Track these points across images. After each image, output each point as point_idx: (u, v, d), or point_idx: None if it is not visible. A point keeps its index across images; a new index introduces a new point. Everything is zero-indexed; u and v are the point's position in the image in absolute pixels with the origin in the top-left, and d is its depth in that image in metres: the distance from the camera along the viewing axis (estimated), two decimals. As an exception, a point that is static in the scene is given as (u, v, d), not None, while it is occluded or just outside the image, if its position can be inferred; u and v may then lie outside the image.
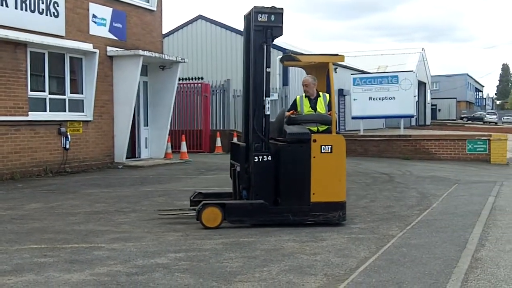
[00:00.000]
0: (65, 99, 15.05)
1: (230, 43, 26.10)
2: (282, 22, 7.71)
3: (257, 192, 7.64)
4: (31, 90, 13.84)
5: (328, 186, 7.67)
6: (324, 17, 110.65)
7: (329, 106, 8.32)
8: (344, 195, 7.83)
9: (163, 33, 20.03)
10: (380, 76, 25.62)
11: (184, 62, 18.74)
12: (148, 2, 18.09)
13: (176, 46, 26.93)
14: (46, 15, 14.04)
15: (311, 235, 7.11)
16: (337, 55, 8.65)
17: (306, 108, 8.41)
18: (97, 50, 15.57)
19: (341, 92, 31.41)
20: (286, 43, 29.87)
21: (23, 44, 13.47)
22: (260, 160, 7.64)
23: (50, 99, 14.55)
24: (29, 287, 4.93)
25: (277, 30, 7.69)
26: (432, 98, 57.35)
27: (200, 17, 27.42)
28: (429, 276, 5.33)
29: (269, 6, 7.69)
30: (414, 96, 25.44)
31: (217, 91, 24.23)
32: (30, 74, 13.82)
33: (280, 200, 7.67)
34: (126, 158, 16.73)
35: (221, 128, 23.64)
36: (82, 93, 15.58)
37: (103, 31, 16.02)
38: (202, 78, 24.32)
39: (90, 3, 15.51)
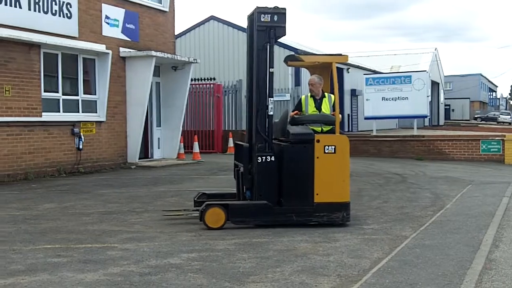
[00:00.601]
0: (78, 100, 15.14)
1: (243, 44, 25.98)
2: (285, 22, 7.69)
3: (261, 193, 7.62)
4: (44, 91, 13.93)
5: (332, 186, 7.65)
6: (337, 17, 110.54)
7: (334, 107, 8.27)
8: (348, 196, 7.79)
9: (176, 33, 20.09)
10: (393, 76, 25.47)
11: (196, 62, 18.78)
12: (161, 3, 18.15)
13: (188, 47, 26.98)
14: (59, 16, 14.13)
15: (324, 235, 7.09)
16: (340, 55, 8.58)
17: (311, 108, 8.37)
18: (110, 51, 15.65)
19: (353, 92, 31.29)
20: (297, 43, 29.83)
21: (37, 45, 13.57)
22: (263, 160, 7.61)
23: (63, 99, 14.64)
24: (43, 287, 4.96)
25: (280, 30, 7.68)
26: (445, 98, 56.98)
27: (212, 17, 27.44)
28: (443, 277, 5.29)
29: (272, 6, 7.68)
30: (427, 96, 25.27)
31: (230, 91, 24.25)
32: (44, 75, 13.92)
33: (284, 200, 7.64)
34: (139, 158, 16.80)
35: (234, 129, 23.66)
36: (95, 94, 15.66)
37: (115, 32, 16.10)
38: (214, 79, 24.33)
39: (103, 4, 15.59)
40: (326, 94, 8.44)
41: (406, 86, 24.30)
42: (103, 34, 15.66)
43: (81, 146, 14.73)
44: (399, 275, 5.38)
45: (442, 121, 51.65)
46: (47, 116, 13.91)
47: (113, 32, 15.98)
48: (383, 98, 24.43)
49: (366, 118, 25.28)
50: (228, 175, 14.45)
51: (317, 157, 7.61)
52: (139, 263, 5.75)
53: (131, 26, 16.69)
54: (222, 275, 5.35)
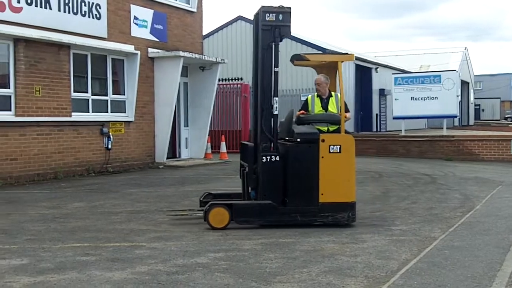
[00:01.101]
0: (107, 100, 15.31)
1: (270, 44, 26.06)
2: (290, 21, 7.65)
3: (265, 193, 7.58)
4: (74, 91, 14.12)
5: (337, 186, 7.56)
6: (365, 16, 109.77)
7: (342, 107, 8.14)
8: (354, 196, 7.71)
9: (203, 34, 20.17)
10: (422, 76, 25.17)
11: (223, 62, 18.84)
12: (189, 4, 18.24)
13: (216, 47, 27.06)
14: (89, 17, 14.30)
15: (352, 236, 7.04)
16: (347, 54, 8.55)
17: (317, 108, 8.31)
18: (138, 52, 15.79)
19: (382, 92, 31.04)
20: (326, 43, 29.72)
21: (67, 46, 13.75)
22: (268, 160, 7.58)
23: (92, 100, 14.82)
24: (72, 285, 5.01)
25: (285, 29, 7.63)
26: (475, 98, 56.14)
27: (239, 17, 27.48)
28: (472, 279, 5.21)
29: (277, 5, 7.65)
30: (457, 96, 24.91)
31: (257, 91, 24.21)
32: (73, 76, 14.10)
33: (288, 200, 7.58)
34: (167, 158, 16.91)
35: (261, 129, 23.58)
36: (124, 94, 15.81)
37: (144, 33, 16.23)
38: (241, 79, 24.38)
39: (131, 5, 15.73)
40: (333, 93, 8.38)
41: (436, 85, 23.98)
42: (132, 34, 15.80)
43: (110, 146, 14.89)
44: (428, 276, 5.31)
45: (472, 121, 50.92)
46: (76, 116, 14.10)
47: (141, 32, 16.12)
48: (412, 98, 24.15)
49: (394, 118, 25.03)
50: (255, 175, 14.47)
51: (322, 157, 7.53)
52: (166, 262, 5.78)
53: (160, 26, 16.81)
54: (249, 275, 5.34)
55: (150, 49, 16.39)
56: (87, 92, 14.68)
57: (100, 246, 6.49)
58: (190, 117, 18.57)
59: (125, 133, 15.59)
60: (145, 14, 16.24)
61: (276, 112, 7.70)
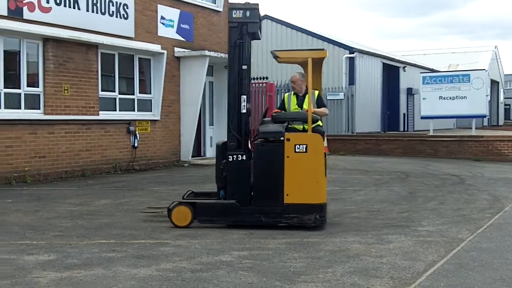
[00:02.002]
0: (134, 99, 15.44)
1: (296, 43, 26.01)
2: (258, 18, 7.56)
3: (232, 192, 7.48)
4: (101, 90, 14.27)
5: (303, 187, 7.29)
6: (392, 14, 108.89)
7: (317, 103, 7.98)
8: (323, 197, 7.42)
9: (229, 33, 20.15)
10: (450, 75, 24.84)
11: (249, 62, 18.81)
12: (215, 3, 18.29)
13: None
14: (116, 17, 14.43)
15: (377, 237, 6.98)
16: (318, 50, 8.13)
17: (293, 106, 8.08)
18: (165, 51, 15.88)
19: (409, 91, 30.71)
20: (353, 42, 29.52)
21: (95, 46, 13.90)
22: (235, 159, 7.45)
23: (119, 99, 14.96)
24: (98, 281, 5.06)
25: (253, 26, 7.53)
26: (505, 98, 55.20)
27: (266, 16, 27.43)
28: (501, 282, 5.12)
29: (244, 2, 7.60)
30: (487, 95, 24.54)
31: (282, 90, 24.20)
32: (101, 75, 14.25)
33: (253, 200, 7.43)
34: (192, 156, 16.99)
35: (286, 128, 23.56)
36: (150, 93, 15.93)
37: (171, 33, 16.32)
38: (267, 78, 24.33)
39: (158, 5, 15.84)
40: (310, 90, 7.95)
41: (465, 85, 23.65)
42: (159, 34, 15.90)
43: (136, 144, 15.01)
44: (455, 278, 5.23)
45: (501, 121, 50.08)
46: (104, 115, 14.25)
47: (168, 32, 16.21)
48: (440, 97, 23.85)
49: (422, 118, 24.76)
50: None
51: (287, 157, 7.29)
52: (190, 260, 5.80)
53: (186, 26, 16.89)
54: (273, 274, 5.33)
55: (176, 49, 16.48)
56: (114, 91, 14.83)
57: (126, 243, 6.54)
58: (215, 116, 18.62)
59: (151, 131, 15.71)
60: (171, 13, 16.34)
61: (243, 111, 7.57)
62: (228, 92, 7.69)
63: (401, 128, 29.65)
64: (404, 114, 30.32)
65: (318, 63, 8.13)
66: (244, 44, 7.56)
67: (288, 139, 7.34)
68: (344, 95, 24.29)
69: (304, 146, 7.32)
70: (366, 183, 12.75)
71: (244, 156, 7.46)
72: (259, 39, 8.18)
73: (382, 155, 21.05)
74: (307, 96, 7.90)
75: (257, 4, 7.58)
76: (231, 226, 7.48)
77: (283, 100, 8.31)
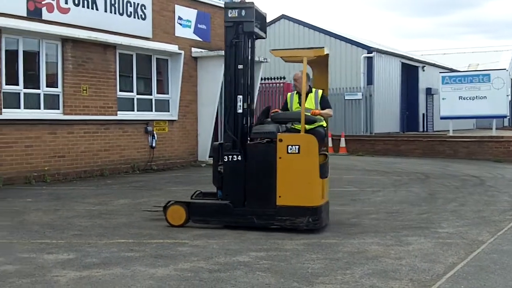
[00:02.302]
0: (151, 99, 15.50)
1: (313, 42, 25.92)
2: (253, 17, 7.45)
3: (227, 193, 7.43)
4: (120, 91, 14.35)
5: (296, 189, 7.10)
6: (411, 14, 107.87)
7: (321, 103, 7.73)
8: (316, 200, 7.16)
9: (247, 33, 20.14)
10: (470, 75, 24.59)
11: (266, 62, 18.82)
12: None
13: (258, 46, 26.92)
14: (134, 17, 14.50)
15: (396, 238, 6.91)
16: (317, 48, 7.83)
17: (295, 105, 7.88)
18: (182, 52, 15.92)
19: (429, 91, 30.47)
20: (371, 41, 29.37)
21: (113, 46, 13.98)
22: (230, 159, 7.38)
23: (137, 99, 15.03)
24: (116, 280, 5.07)
25: (249, 25, 7.46)
26: (526, 98, 54.56)
27: (283, 16, 27.43)
28: (523, 285, 5.04)
29: (239, 1, 7.55)
30: (507, 95, 24.26)
31: (300, 90, 24.14)
32: (119, 75, 14.33)
33: (247, 202, 7.33)
34: (209, 156, 17.00)
35: (304, 128, 23.50)
36: (167, 93, 15.98)
37: (188, 33, 16.36)
38: (284, 78, 24.31)
39: (176, 6, 15.88)
40: (314, 90, 7.86)
41: (485, 84, 23.39)
42: (176, 35, 15.95)
43: (154, 144, 15.07)
44: (475, 281, 5.16)
45: (522, 121, 49.45)
46: (122, 115, 14.32)
47: (185, 32, 16.25)
48: (460, 97, 23.62)
49: (442, 118, 24.54)
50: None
51: (280, 157, 7.12)
52: (208, 260, 5.79)
53: (203, 26, 16.92)
54: (291, 275, 5.30)
55: (193, 49, 16.51)
56: (132, 92, 14.90)
57: (144, 243, 6.56)
58: (233, 116, 18.58)
59: (168, 131, 15.76)
60: (189, 14, 16.37)
61: (240, 111, 7.50)
62: (224, 92, 7.68)
63: (420, 129, 29.43)
64: (423, 114, 30.10)
65: (323, 62, 7.96)
66: (240, 43, 7.51)
67: (281, 140, 7.17)
68: (362, 95, 24.17)
69: (297, 147, 7.12)
70: (385, 184, 12.66)
71: (239, 156, 7.38)
72: (263, 37, 8.12)
73: (401, 155, 20.90)
74: (310, 95, 7.75)
75: (252, 3, 7.51)
76: (249, 227, 7.47)
77: (286, 99, 8.17)
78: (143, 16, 14.74)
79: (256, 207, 7.26)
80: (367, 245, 6.53)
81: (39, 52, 12.53)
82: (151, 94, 15.51)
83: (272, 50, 7.95)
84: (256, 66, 18.16)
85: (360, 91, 24.27)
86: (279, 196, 7.15)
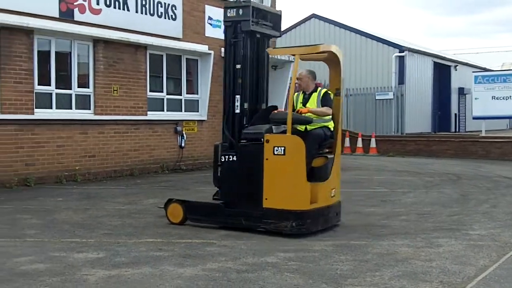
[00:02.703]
0: (181, 99, 15.58)
1: (344, 42, 25.77)
2: (250, 16, 7.37)
3: (223, 193, 7.43)
4: (150, 91, 14.45)
5: (281, 192, 6.92)
6: (443, 12, 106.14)
7: (322, 102, 7.48)
8: (303, 204, 6.90)
9: (276, 33, 20.10)
10: (504, 74, 24.14)
11: (297, 61, 18.72)
12: (262, 3, 18.26)
13: (288, 46, 26.97)
14: (165, 18, 14.59)
15: (427, 240, 6.81)
16: (311, 46, 7.78)
17: (299, 105, 7.69)
18: (212, 52, 15.96)
19: (461, 91, 30.03)
20: (402, 40, 29.06)
21: (143, 47, 14.09)
22: (227, 160, 7.36)
23: (167, 99, 15.12)
24: (145, 280, 5.10)
25: (246, 24, 7.39)
26: (562, 97, 53.35)
27: (313, 15, 27.33)
28: (558, 290, 4.91)
29: (237, 0, 7.52)
30: (542, 95, 23.77)
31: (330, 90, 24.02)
32: (149, 75, 14.44)
33: (237, 203, 7.27)
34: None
35: (334, 128, 23.38)
36: (197, 93, 16.04)
37: (218, 33, 16.35)
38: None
39: (206, 6, 15.94)
40: (318, 89, 7.64)
41: (519, 84, 22.96)
42: (206, 35, 16.00)
43: (183, 144, 15.15)
44: (507, 284, 5.06)
45: (558, 121, 48.39)
46: (152, 115, 14.43)
47: (215, 32, 16.28)
48: (493, 97, 23.21)
49: (474, 118, 24.15)
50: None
51: (267, 159, 6.95)
52: (236, 260, 5.79)
53: (233, 26, 16.90)
54: (319, 276, 5.26)
55: (223, 49, 16.49)
56: (162, 92, 15.00)
57: (173, 242, 6.58)
58: (262, 116, 18.57)
59: (198, 131, 15.82)
60: (219, 14, 16.37)
61: (237, 111, 7.46)
62: (223, 92, 7.67)
63: (452, 129, 29.02)
64: (455, 114, 29.67)
65: (335, 60, 7.71)
66: (239, 43, 7.49)
67: (267, 141, 7.01)
68: (394, 94, 23.93)
69: (282, 148, 6.92)
70: (416, 185, 12.50)
71: (235, 157, 7.34)
72: (276, 36, 8.07)
73: (432, 156, 20.63)
74: (313, 94, 7.58)
75: (249, 1, 7.45)
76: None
77: (293, 99, 7.91)
78: (173, 17, 14.83)
79: (245, 208, 7.17)
80: (397, 247, 6.45)
81: (71, 52, 12.71)
82: (180, 94, 15.59)
83: (268, 49, 7.81)
84: (286, 66, 18.28)
85: (391, 91, 24.02)
86: (266, 198, 7.00)
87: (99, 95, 13.09)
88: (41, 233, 7.10)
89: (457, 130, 29.25)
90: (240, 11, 7.44)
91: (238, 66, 7.50)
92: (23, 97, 11.54)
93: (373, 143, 21.59)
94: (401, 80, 24.43)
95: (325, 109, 7.44)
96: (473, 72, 26.09)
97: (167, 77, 15.11)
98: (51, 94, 12.27)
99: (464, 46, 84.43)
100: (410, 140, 22.13)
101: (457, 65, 29.85)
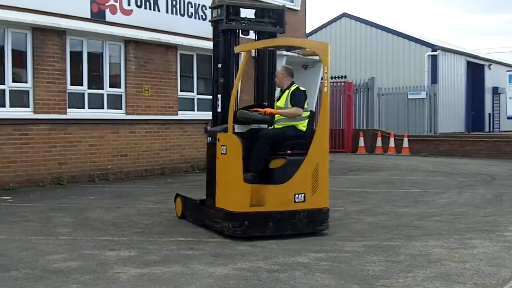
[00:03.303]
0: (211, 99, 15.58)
1: (376, 41, 25.55)
2: (225, 15, 7.46)
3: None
4: (180, 91, 14.52)
5: (224, 191, 6.87)
6: (476, 11, 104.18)
7: (290, 101, 7.13)
8: (240, 206, 6.65)
9: (307, 32, 20.05)
10: (539, 73, 23.72)
11: (327, 61, 18.61)
12: (292, 2, 18.21)
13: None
14: (195, 18, 14.65)
15: (460, 241, 6.68)
16: (266, 40, 7.79)
17: (276, 102, 7.56)
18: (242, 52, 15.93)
19: (495, 90, 29.49)
20: (435, 39, 28.67)
21: (174, 47, 14.17)
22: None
23: (197, 99, 15.17)
24: (176, 278, 5.11)
25: (221, 23, 7.54)
26: None
27: (344, 14, 27.14)
28: None
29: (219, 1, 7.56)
30: None
31: (361, 89, 23.87)
32: (180, 75, 14.51)
33: (205, 201, 7.40)
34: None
35: (365, 128, 23.24)
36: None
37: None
38: (345, 77, 24.05)
39: (236, 5, 15.91)
40: (293, 86, 7.30)
41: (555, 83, 22.46)
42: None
43: (213, 144, 15.16)
44: (546, 287, 4.92)
45: None
46: (182, 115, 14.50)
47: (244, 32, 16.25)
48: (528, 96, 22.77)
49: (509, 118, 23.74)
50: (357, 176, 14.21)
51: (218, 158, 6.94)
52: (267, 260, 5.76)
53: (263, 26, 16.88)
54: (351, 277, 5.20)
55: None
56: (192, 92, 15.05)
57: (203, 241, 6.59)
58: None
59: (229, 131, 15.82)
60: (251, 14, 16.35)
61: (219, 110, 7.48)
62: (211, 92, 7.80)
63: (486, 129, 28.51)
64: (489, 114, 29.16)
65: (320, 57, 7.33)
66: (220, 42, 7.57)
67: (219, 140, 6.98)
68: (426, 94, 23.61)
69: (225, 147, 6.86)
70: (449, 185, 12.30)
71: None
72: (281, 32, 8.05)
73: (466, 156, 20.29)
74: (285, 92, 7.28)
75: (224, 1, 7.53)
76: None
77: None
78: (203, 17, 14.87)
79: (208, 207, 7.29)
80: (430, 248, 6.35)
81: (102, 53, 12.85)
82: (210, 94, 15.60)
83: (235, 47, 7.71)
84: (317, 65, 18.18)
85: (424, 90, 23.71)
86: (217, 198, 7.03)
87: (130, 95, 13.20)
88: (74, 231, 7.18)
89: (491, 130, 28.73)
90: (218, 11, 7.62)
91: (220, 65, 7.61)
92: (56, 97, 11.71)
93: (405, 143, 21.33)
94: (433, 79, 24.09)
95: (294, 110, 7.11)
96: (507, 71, 25.64)
97: (197, 77, 15.16)
98: (83, 94, 12.43)
99: (497, 44, 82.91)
100: (443, 140, 21.80)
101: (491, 64, 29.33)
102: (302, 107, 7.16)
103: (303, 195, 6.80)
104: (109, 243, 6.47)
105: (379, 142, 21.74)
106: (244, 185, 6.69)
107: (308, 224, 6.86)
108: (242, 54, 7.50)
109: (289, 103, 7.17)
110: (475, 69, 28.50)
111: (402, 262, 5.72)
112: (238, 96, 8.00)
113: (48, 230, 7.22)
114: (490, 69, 29.15)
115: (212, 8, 7.80)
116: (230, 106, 7.02)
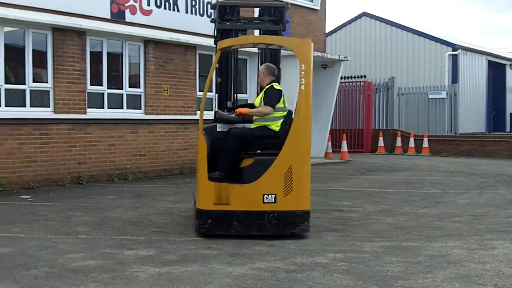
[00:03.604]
0: (230, 99, 15.61)
1: (396, 40, 25.37)
2: (218, 15, 7.58)
3: None
4: (199, 91, 14.55)
5: (196, 189, 7.08)
6: (497, 10, 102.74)
7: (264, 99, 7.07)
8: (203, 203, 6.70)
9: (326, 31, 19.98)
10: (562, 72, 23.36)
11: (346, 60, 18.56)
12: (312, 2, 18.18)
13: (339, 44, 26.78)
14: (214, 18, 14.65)
15: (480, 242, 6.61)
16: (236, 38, 7.78)
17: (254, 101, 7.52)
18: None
19: (515, 90, 29.13)
20: (455, 38, 28.38)
21: (193, 47, 14.20)
22: None
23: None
24: (194, 277, 5.12)
25: (215, 23, 7.64)
26: None
27: (364, 14, 26.99)
28: None
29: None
30: None
31: (381, 89, 23.72)
32: (199, 75, 14.54)
33: None
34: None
35: (384, 128, 23.10)
36: (246, 93, 16.06)
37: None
38: (364, 76, 23.94)
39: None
40: (268, 85, 7.24)
41: None
42: (255, 34, 15.97)
43: (238, 143, 15.17)
44: None
45: None
46: (201, 114, 14.50)
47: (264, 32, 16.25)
48: (550, 96, 22.44)
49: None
50: (376, 176, 14.12)
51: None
52: (285, 260, 5.75)
53: (282, 25, 16.86)
54: (369, 277, 5.16)
55: (272, 48, 16.49)
56: (211, 92, 15.06)
57: (222, 241, 6.58)
58: (313, 115, 18.45)
59: (247, 131, 15.82)
60: (256, 12, 16.37)
61: (216, 109, 7.64)
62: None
63: (508, 129, 28.15)
64: (510, 114, 28.78)
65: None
66: (217, 42, 7.64)
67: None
68: (447, 93, 23.39)
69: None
70: (469, 186, 12.17)
71: None
72: (282, 30, 8.42)
73: (487, 157, 20.07)
74: (264, 90, 7.21)
75: (217, 1, 7.77)
76: (325, 227, 7.37)
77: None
78: (222, 17, 14.87)
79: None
80: (449, 249, 6.28)
81: (122, 53, 12.92)
82: (230, 94, 15.62)
83: (218, 41, 7.60)
84: (336, 65, 18.11)
85: (444, 90, 23.49)
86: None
87: (149, 95, 13.27)
88: (93, 230, 7.24)
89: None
90: (215, 12, 7.74)
91: (217, 65, 7.71)
92: (76, 97, 11.81)
93: (425, 143, 21.16)
94: (454, 79, 23.85)
95: (261, 109, 7.04)
96: (529, 70, 25.28)
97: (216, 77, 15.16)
98: (103, 94, 12.51)
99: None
100: (464, 140, 21.58)
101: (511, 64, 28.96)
102: (273, 106, 7.04)
103: (273, 196, 6.66)
104: (127, 242, 6.51)
105: (398, 142, 21.60)
106: (208, 183, 6.73)
107: (278, 225, 6.69)
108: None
109: (262, 102, 7.10)
110: (496, 69, 28.16)
111: (421, 263, 5.67)
112: (236, 95, 8.16)
113: (67, 229, 7.29)
114: (511, 68, 28.78)
115: (212, 8, 7.91)
116: (201, 105, 7.02)
